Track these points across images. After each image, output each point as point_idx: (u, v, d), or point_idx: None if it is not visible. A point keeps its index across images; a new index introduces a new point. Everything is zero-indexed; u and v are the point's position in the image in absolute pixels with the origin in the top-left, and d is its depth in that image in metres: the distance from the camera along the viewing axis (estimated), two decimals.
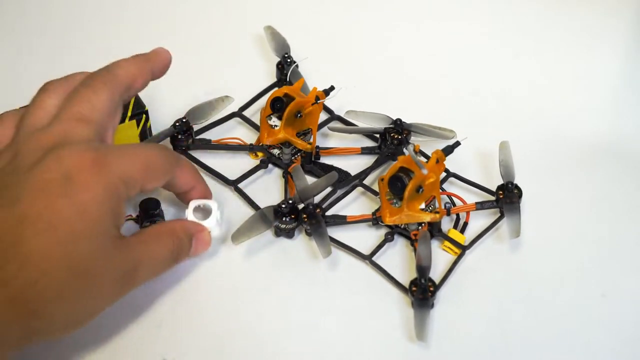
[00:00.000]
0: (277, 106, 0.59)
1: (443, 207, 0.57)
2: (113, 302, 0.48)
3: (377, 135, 0.62)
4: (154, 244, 0.50)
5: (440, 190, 0.57)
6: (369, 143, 0.63)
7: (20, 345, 0.44)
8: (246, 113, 0.65)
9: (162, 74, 0.55)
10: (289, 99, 0.59)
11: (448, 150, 0.57)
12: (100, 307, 0.47)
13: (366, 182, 0.60)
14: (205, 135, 0.62)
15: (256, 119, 0.64)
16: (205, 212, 0.55)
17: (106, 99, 0.49)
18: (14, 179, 0.45)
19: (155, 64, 0.54)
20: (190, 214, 0.54)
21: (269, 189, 0.60)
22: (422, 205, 0.56)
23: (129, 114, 0.59)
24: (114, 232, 0.47)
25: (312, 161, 0.61)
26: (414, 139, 0.62)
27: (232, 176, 0.60)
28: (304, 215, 0.55)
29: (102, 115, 0.49)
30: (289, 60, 0.66)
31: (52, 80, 0.51)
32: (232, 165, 0.61)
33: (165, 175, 0.51)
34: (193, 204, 0.54)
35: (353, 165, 0.61)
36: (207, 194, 0.55)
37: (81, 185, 0.45)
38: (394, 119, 0.62)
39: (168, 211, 0.58)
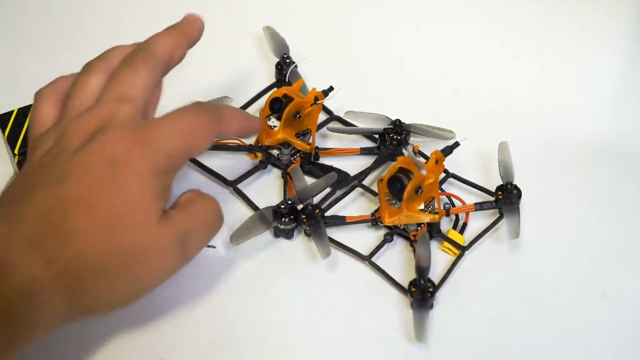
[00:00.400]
0: (276, 107, 0.59)
1: (442, 207, 0.57)
2: (166, 277, 0.48)
3: (377, 136, 0.62)
4: (197, 211, 0.50)
5: (440, 191, 0.57)
6: (368, 143, 0.63)
7: (65, 321, 0.46)
8: None
9: (197, 42, 0.56)
10: (288, 99, 0.59)
11: (447, 150, 0.57)
12: (151, 283, 0.48)
13: (365, 182, 0.60)
14: None
15: None
16: None
17: (146, 76, 0.50)
18: (60, 161, 0.47)
19: (190, 34, 0.55)
20: None
21: (268, 189, 0.60)
22: (422, 206, 0.56)
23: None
24: (158, 208, 0.47)
25: (311, 162, 0.61)
26: (413, 139, 0.62)
27: (231, 177, 0.60)
28: (303, 216, 0.55)
29: (142, 92, 0.50)
30: (288, 60, 0.66)
31: (92, 60, 0.53)
32: (231, 165, 0.61)
33: (209, 139, 0.51)
34: None
35: (352, 165, 0.61)
36: (255, 130, 0.56)
37: (124, 167, 0.46)
38: (393, 119, 0.61)
39: None
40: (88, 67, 0.52)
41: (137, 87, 0.50)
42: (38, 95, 0.52)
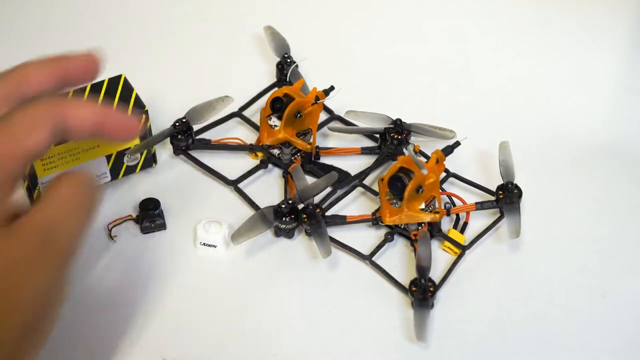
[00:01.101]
0: (277, 106, 0.59)
1: (443, 207, 0.57)
2: (57, 288, 0.41)
3: (377, 136, 0.62)
4: (60, 195, 0.42)
5: (440, 191, 0.57)
6: (369, 143, 0.63)
7: None
8: (246, 113, 0.65)
9: (84, 81, 0.48)
10: (288, 99, 0.59)
11: (448, 150, 0.57)
12: (36, 306, 0.40)
13: (366, 182, 0.60)
14: (205, 136, 0.62)
15: (256, 119, 0.64)
16: (214, 229, 0.56)
17: None
18: None
19: (70, 72, 0.47)
20: (200, 229, 0.55)
21: (268, 189, 0.60)
22: (422, 206, 0.56)
23: (129, 113, 0.59)
24: None
25: (312, 161, 0.61)
26: (413, 139, 0.62)
27: (232, 176, 0.60)
28: (304, 216, 0.55)
29: None
30: (288, 60, 0.66)
31: None
32: (232, 165, 0.61)
33: (44, 133, 0.41)
34: (203, 221, 0.56)
35: (353, 165, 0.61)
36: (125, 126, 0.44)
37: None
38: (394, 119, 0.62)
39: (169, 211, 0.58)
40: None
41: None
42: None
